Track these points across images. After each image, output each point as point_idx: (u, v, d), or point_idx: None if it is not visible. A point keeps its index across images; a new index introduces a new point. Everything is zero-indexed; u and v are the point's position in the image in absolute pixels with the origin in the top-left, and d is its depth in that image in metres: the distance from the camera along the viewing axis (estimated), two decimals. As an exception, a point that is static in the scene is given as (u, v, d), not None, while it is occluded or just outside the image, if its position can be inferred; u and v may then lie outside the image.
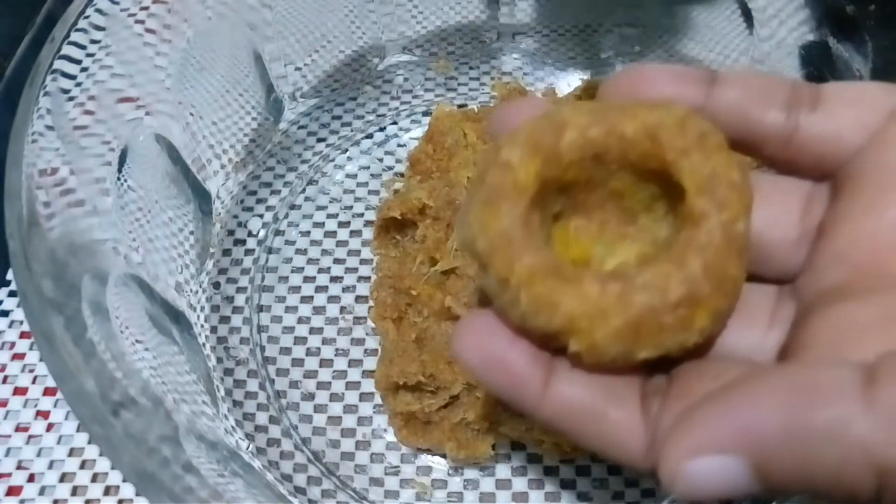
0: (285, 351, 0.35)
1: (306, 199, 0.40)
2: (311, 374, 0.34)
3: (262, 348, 0.35)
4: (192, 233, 0.36)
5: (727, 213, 0.17)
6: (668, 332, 0.17)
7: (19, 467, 0.31)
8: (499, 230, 0.18)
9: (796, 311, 0.19)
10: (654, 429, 0.18)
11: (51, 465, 0.31)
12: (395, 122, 0.43)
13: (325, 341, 0.35)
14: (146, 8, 0.33)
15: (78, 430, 0.32)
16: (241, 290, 0.37)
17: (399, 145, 0.42)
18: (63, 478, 0.31)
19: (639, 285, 0.17)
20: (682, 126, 0.18)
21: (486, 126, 0.23)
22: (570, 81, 0.44)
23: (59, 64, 0.28)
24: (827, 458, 0.14)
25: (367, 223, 0.39)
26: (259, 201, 0.40)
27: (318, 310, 0.36)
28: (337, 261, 0.38)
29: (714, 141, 0.18)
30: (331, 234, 0.39)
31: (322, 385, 0.34)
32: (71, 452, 0.31)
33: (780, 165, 0.20)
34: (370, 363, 0.34)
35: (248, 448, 0.32)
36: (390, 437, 0.32)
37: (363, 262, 0.38)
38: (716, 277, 0.17)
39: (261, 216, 0.39)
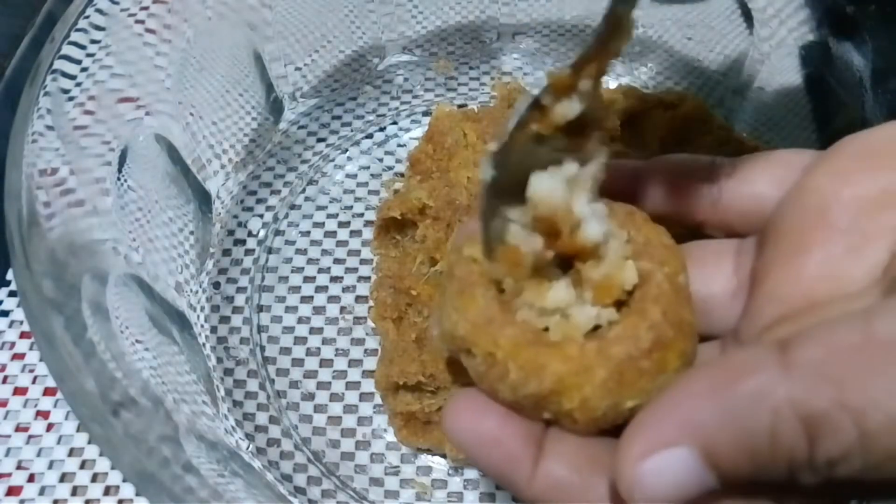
0: (285, 351, 0.35)
1: (306, 199, 0.40)
2: (311, 374, 0.34)
3: (262, 348, 0.35)
4: (192, 233, 0.36)
5: (668, 267, 0.20)
6: (648, 376, 0.18)
7: (19, 467, 0.31)
8: (477, 311, 0.19)
9: None
10: None
11: (51, 465, 0.31)
12: (395, 122, 0.43)
13: (325, 341, 0.35)
14: (146, 8, 0.33)
15: (78, 430, 0.32)
16: (241, 290, 0.37)
17: (399, 145, 0.42)
18: (63, 478, 0.31)
19: (613, 339, 0.19)
20: (611, 208, 0.21)
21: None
22: (570, 81, 0.44)
23: (59, 64, 0.28)
24: (760, 424, 0.15)
25: (367, 223, 0.39)
26: (259, 201, 0.40)
27: (318, 310, 0.36)
28: (337, 261, 0.38)
29: (640, 216, 0.21)
30: (331, 234, 0.39)
31: (322, 385, 0.34)
32: (71, 452, 0.31)
33: (710, 228, 0.23)
34: (370, 363, 0.34)
35: (248, 448, 0.32)
36: (390, 437, 0.32)
37: (363, 262, 0.38)
38: (675, 322, 0.19)
39: (261, 216, 0.39)
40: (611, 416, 0.19)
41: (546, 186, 0.19)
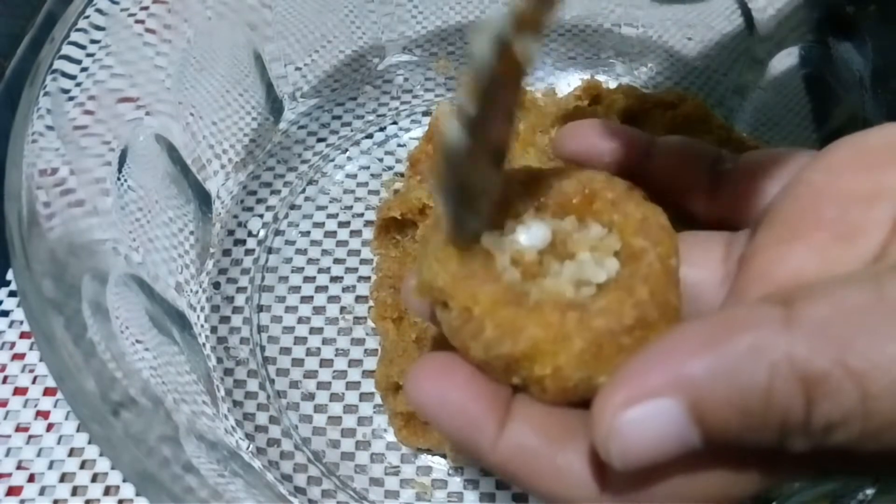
0: (285, 351, 0.35)
1: (306, 199, 0.40)
2: (311, 374, 0.34)
3: (262, 348, 0.35)
4: (192, 233, 0.36)
5: (661, 248, 0.19)
6: (626, 354, 0.18)
7: (19, 467, 0.31)
8: (459, 264, 0.19)
9: None
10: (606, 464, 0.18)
11: (51, 465, 0.31)
12: (395, 122, 0.43)
13: (325, 341, 0.35)
14: (146, 8, 0.33)
15: (78, 430, 0.32)
16: (241, 290, 0.37)
17: (399, 145, 0.42)
18: (63, 478, 0.31)
19: (595, 311, 0.18)
20: (610, 182, 0.21)
21: (551, 145, 0.25)
22: (570, 81, 0.44)
23: (59, 64, 0.28)
24: (756, 380, 0.15)
25: (367, 223, 0.39)
26: (259, 201, 0.40)
27: (318, 310, 0.36)
28: (337, 261, 0.38)
29: (638, 194, 0.21)
30: (331, 234, 0.39)
31: (322, 385, 0.34)
32: (71, 452, 0.31)
33: (704, 218, 0.23)
34: (370, 363, 0.34)
35: (248, 448, 0.32)
36: (390, 437, 0.32)
37: (363, 262, 0.38)
38: (661, 303, 0.19)
39: (261, 216, 0.39)
40: (581, 389, 0.18)
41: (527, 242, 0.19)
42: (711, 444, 0.16)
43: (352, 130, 0.43)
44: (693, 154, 0.24)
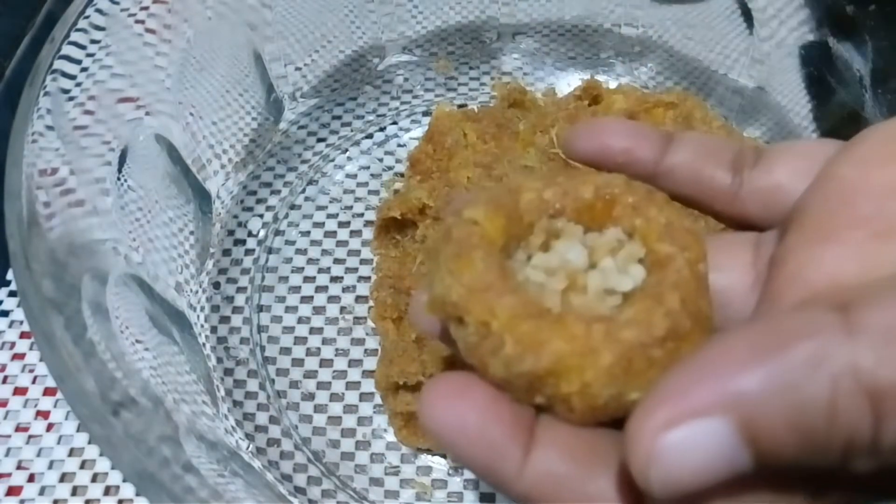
0: (285, 351, 0.35)
1: (306, 199, 0.40)
2: (311, 374, 0.34)
3: (262, 348, 0.35)
4: (192, 233, 0.36)
5: (690, 253, 0.18)
6: (658, 367, 0.17)
7: (19, 467, 0.31)
8: (474, 276, 0.17)
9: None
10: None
11: (51, 465, 0.31)
12: (395, 122, 0.43)
13: (325, 341, 0.35)
14: (146, 8, 0.33)
15: (78, 430, 0.32)
16: (241, 290, 0.37)
17: (399, 145, 0.42)
18: (63, 478, 0.31)
19: (623, 322, 0.17)
20: (629, 186, 0.20)
21: (559, 142, 0.24)
22: (570, 81, 0.44)
23: (59, 64, 0.28)
24: (816, 396, 0.13)
25: (367, 223, 0.39)
26: (259, 201, 0.40)
27: (318, 310, 0.36)
28: (337, 261, 0.38)
29: (661, 196, 0.20)
30: (331, 234, 0.39)
31: (322, 385, 0.34)
32: (71, 452, 0.31)
33: (728, 219, 0.22)
34: (370, 363, 0.34)
35: (248, 448, 0.32)
36: (390, 437, 0.32)
37: (363, 262, 0.38)
38: (693, 312, 0.17)
39: (261, 216, 0.39)
40: (612, 408, 0.17)
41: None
42: (764, 467, 0.14)
43: (352, 130, 0.43)
44: (712, 150, 0.22)
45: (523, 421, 0.17)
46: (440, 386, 0.17)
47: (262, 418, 0.33)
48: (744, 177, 0.21)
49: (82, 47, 0.29)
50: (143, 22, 0.33)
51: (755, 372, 0.14)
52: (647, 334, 0.17)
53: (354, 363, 0.35)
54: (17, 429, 0.32)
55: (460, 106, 0.43)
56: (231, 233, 0.39)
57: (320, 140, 0.42)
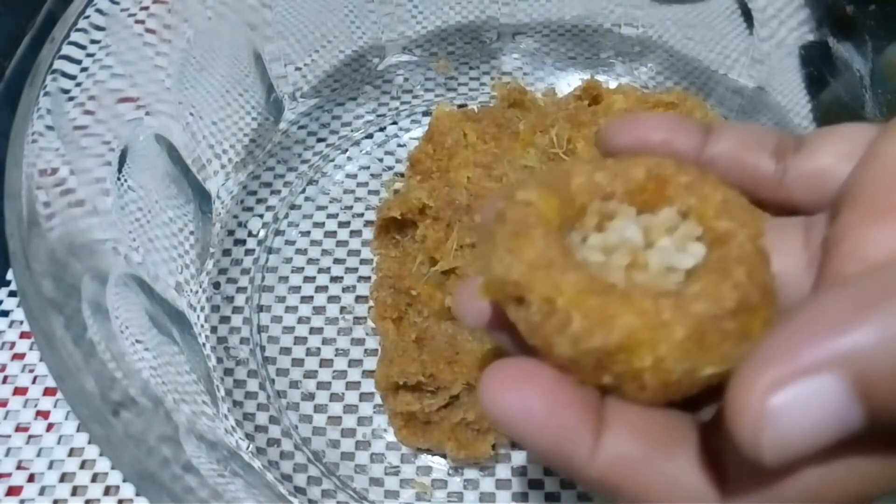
0: (285, 351, 0.35)
1: (306, 199, 0.40)
2: (311, 374, 0.34)
3: (262, 348, 0.35)
4: (192, 233, 0.36)
5: (750, 229, 0.18)
6: (731, 341, 0.16)
7: (19, 467, 0.31)
8: (536, 253, 0.17)
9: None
10: (723, 466, 0.16)
11: (51, 465, 0.31)
12: (395, 122, 0.43)
13: (325, 341, 0.35)
14: (146, 8, 0.33)
15: (78, 430, 0.32)
16: (241, 290, 0.37)
17: (399, 145, 0.42)
18: (63, 478, 0.31)
19: (692, 296, 0.16)
20: (681, 166, 0.19)
21: (596, 135, 0.23)
22: (570, 81, 0.44)
23: (59, 64, 0.28)
24: None
25: (367, 223, 0.39)
26: (259, 201, 0.40)
27: (318, 310, 0.36)
28: (337, 261, 0.38)
29: (714, 176, 0.19)
30: (331, 234, 0.39)
31: (322, 385, 0.34)
32: (71, 452, 0.31)
33: (773, 207, 0.21)
34: (370, 363, 0.34)
35: (248, 448, 0.32)
36: (390, 437, 0.32)
37: (363, 262, 0.38)
38: (760, 285, 0.17)
39: (261, 216, 0.39)
40: (684, 384, 0.16)
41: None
42: (875, 424, 0.14)
43: (352, 130, 0.43)
44: (753, 139, 0.22)
45: (591, 403, 0.16)
46: (502, 372, 0.16)
47: (262, 418, 0.33)
48: (787, 163, 0.21)
49: (82, 47, 0.29)
50: (143, 22, 0.33)
51: (866, 324, 0.13)
52: (718, 307, 0.16)
53: (354, 363, 0.35)
54: (17, 429, 0.32)
55: (460, 106, 0.43)
56: (231, 233, 0.39)
57: (320, 140, 0.42)
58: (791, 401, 0.13)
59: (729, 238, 0.18)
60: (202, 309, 0.35)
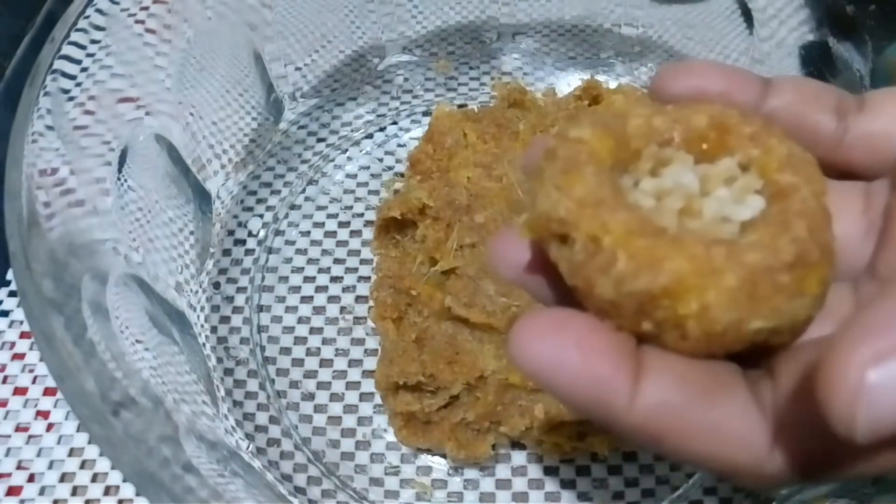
0: (285, 351, 0.35)
1: (306, 199, 0.40)
2: (311, 374, 0.34)
3: (262, 348, 0.35)
4: (192, 233, 0.36)
5: (815, 185, 0.17)
6: (784, 295, 0.15)
7: (19, 467, 0.31)
8: (585, 190, 0.16)
9: (875, 293, 0.18)
10: (775, 418, 0.15)
11: (51, 465, 0.31)
12: (395, 122, 0.43)
13: (325, 341, 0.35)
14: (146, 8, 0.33)
15: (78, 430, 0.32)
16: (241, 290, 0.37)
17: (399, 145, 0.42)
18: (63, 478, 0.31)
19: (747, 246, 0.15)
20: (745, 116, 0.18)
21: (651, 84, 0.21)
22: (570, 81, 0.44)
23: (59, 64, 0.28)
24: None
25: (367, 223, 0.39)
26: (259, 201, 0.40)
27: (318, 310, 0.36)
28: (337, 261, 0.38)
29: (779, 128, 0.18)
30: (331, 234, 0.39)
31: (322, 385, 0.34)
32: (71, 452, 0.31)
33: (830, 167, 0.20)
34: (370, 363, 0.34)
35: (248, 448, 0.32)
36: (390, 437, 0.32)
37: (363, 262, 0.38)
38: (821, 243, 0.16)
39: (261, 216, 0.39)
40: (729, 336, 0.15)
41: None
42: None
43: (352, 130, 0.43)
44: (814, 95, 0.20)
45: (627, 350, 0.16)
46: (532, 322, 0.16)
47: (262, 418, 0.33)
48: (849, 122, 0.20)
49: (82, 47, 0.29)
50: (143, 22, 0.33)
51: None
52: (774, 258, 0.15)
53: (354, 363, 0.35)
54: (17, 429, 0.32)
55: (460, 106, 0.43)
56: (231, 233, 0.39)
57: (320, 140, 0.42)
58: (892, 377, 0.12)
59: (791, 192, 0.17)
60: (202, 309, 0.35)
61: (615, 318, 0.16)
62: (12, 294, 0.36)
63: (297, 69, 0.42)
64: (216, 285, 0.37)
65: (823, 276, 0.16)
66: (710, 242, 0.15)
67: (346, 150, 0.42)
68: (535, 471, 0.32)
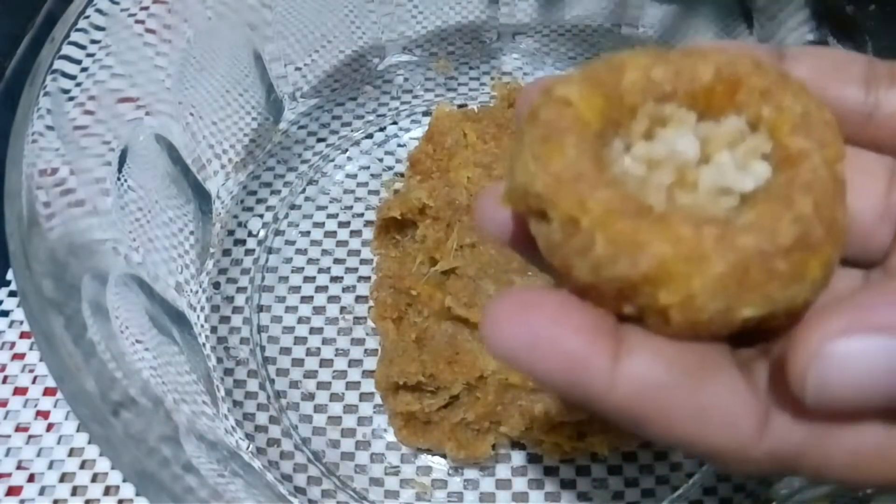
0: (285, 351, 0.35)
1: (306, 199, 0.40)
2: (311, 374, 0.34)
3: (262, 348, 0.35)
4: (192, 233, 0.36)
5: (829, 151, 0.15)
6: (779, 282, 0.14)
7: (19, 467, 0.31)
8: (564, 164, 0.15)
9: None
10: (767, 400, 0.15)
11: (51, 465, 0.31)
12: (395, 122, 0.43)
13: (325, 341, 0.35)
14: (146, 8, 0.33)
15: (78, 430, 0.32)
16: (241, 290, 0.37)
17: (399, 145, 0.42)
18: (63, 478, 0.31)
19: (741, 227, 0.14)
20: (759, 67, 0.16)
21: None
22: (570, 81, 0.44)
23: (59, 64, 0.28)
24: None
25: (367, 223, 0.39)
26: (259, 201, 0.40)
27: (318, 310, 0.36)
28: (337, 261, 0.38)
29: (797, 82, 0.16)
30: (331, 234, 0.39)
31: (322, 385, 0.34)
32: (71, 452, 0.31)
33: (859, 145, 0.18)
34: (370, 363, 0.34)
35: (248, 448, 0.32)
36: (390, 437, 0.32)
37: (363, 262, 0.38)
38: (827, 220, 0.15)
39: (261, 216, 0.39)
40: (716, 324, 0.14)
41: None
42: None
43: (352, 130, 0.43)
44: (837, 65, 0.18)
45: (605, 328, 0.15)
46: (503, 303, 0.15)
47: (262, 418, 0.33)
48: (880, 96, 0.18)
49: (82, 47, 0.29)
50: (143, 22, 0.33)
51: None
52: (770, 242, 0.14)
53: (354, 363, 0.35)
54: (17, 429, 0.32)
55: (460, 106, 0.43)
56: (231, 233, 0.39)
57: (320, 140, 0.42)
58: (851, 350, 0.13)
59: (801, 159, 0.15)
60: (202, 309, 0.35)
61: (595, 301, 0.15)
62: (12, 294, 0.36)
63: (297, 69, 0.42)
64: (216, 285, 0.37)
65: (827, 258, 0.15)
66: (701, 222, 0.14)
67: (346, 150, 0.42)
68: (535, 471, 0.32)
